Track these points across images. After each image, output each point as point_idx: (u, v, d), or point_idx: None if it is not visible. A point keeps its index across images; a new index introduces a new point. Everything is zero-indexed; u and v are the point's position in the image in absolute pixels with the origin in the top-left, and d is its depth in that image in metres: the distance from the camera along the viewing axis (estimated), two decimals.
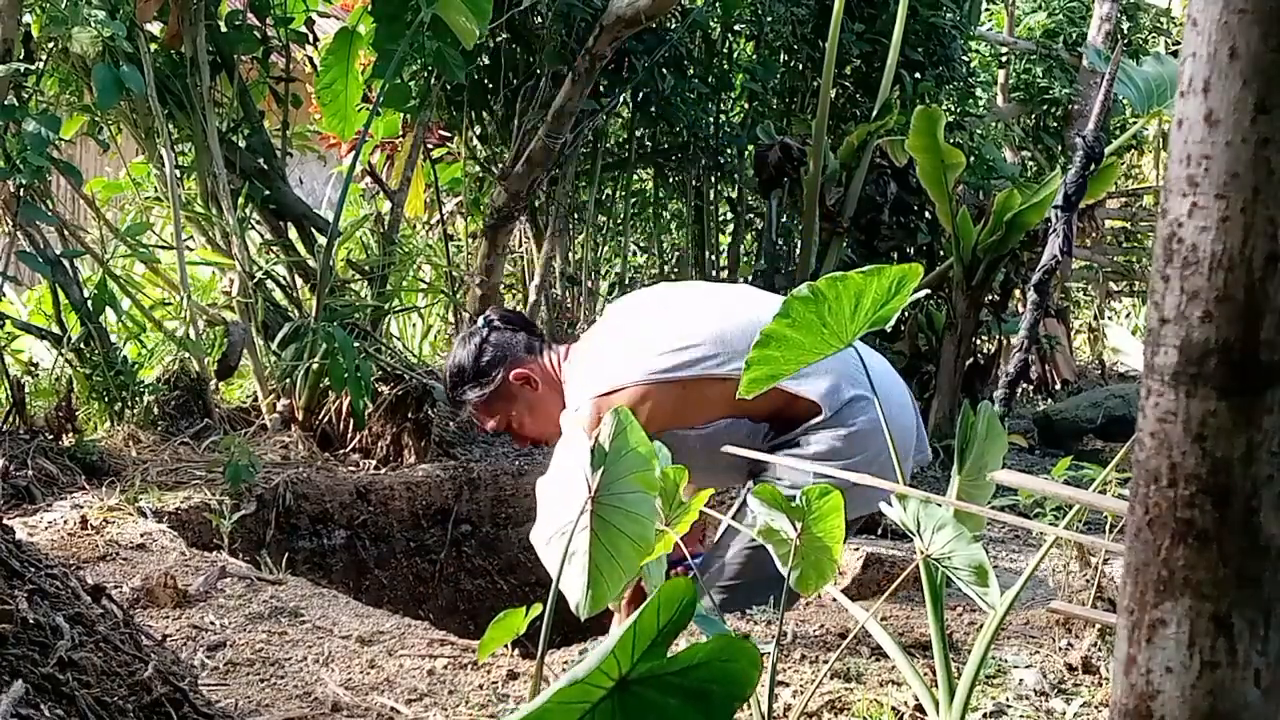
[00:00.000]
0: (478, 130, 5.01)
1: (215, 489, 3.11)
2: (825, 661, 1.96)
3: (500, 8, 4.32)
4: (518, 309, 5.54)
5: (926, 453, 2.65)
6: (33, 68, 3.43)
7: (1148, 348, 0.79)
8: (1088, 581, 2.30)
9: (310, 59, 4.52)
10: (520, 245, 5.43)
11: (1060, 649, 2.10)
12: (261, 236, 4.14)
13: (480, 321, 2.69)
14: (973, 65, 7.05)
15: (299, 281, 4.06)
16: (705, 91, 5.29)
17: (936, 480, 4.20)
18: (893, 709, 1.78)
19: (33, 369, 3.72)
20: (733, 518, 2.28)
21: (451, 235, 5.09)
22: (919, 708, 1.74)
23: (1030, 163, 8.07)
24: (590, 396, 2.37)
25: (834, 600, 1.91)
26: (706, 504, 1.63)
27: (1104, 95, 2.72)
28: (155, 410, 3.57)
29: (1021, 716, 1.80)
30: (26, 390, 3.38)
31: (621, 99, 5.02)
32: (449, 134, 5.16)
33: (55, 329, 3.51)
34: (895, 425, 2.42)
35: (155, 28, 3.80)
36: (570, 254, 5.50)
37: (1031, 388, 6.56)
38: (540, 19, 4.63)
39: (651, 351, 2.39)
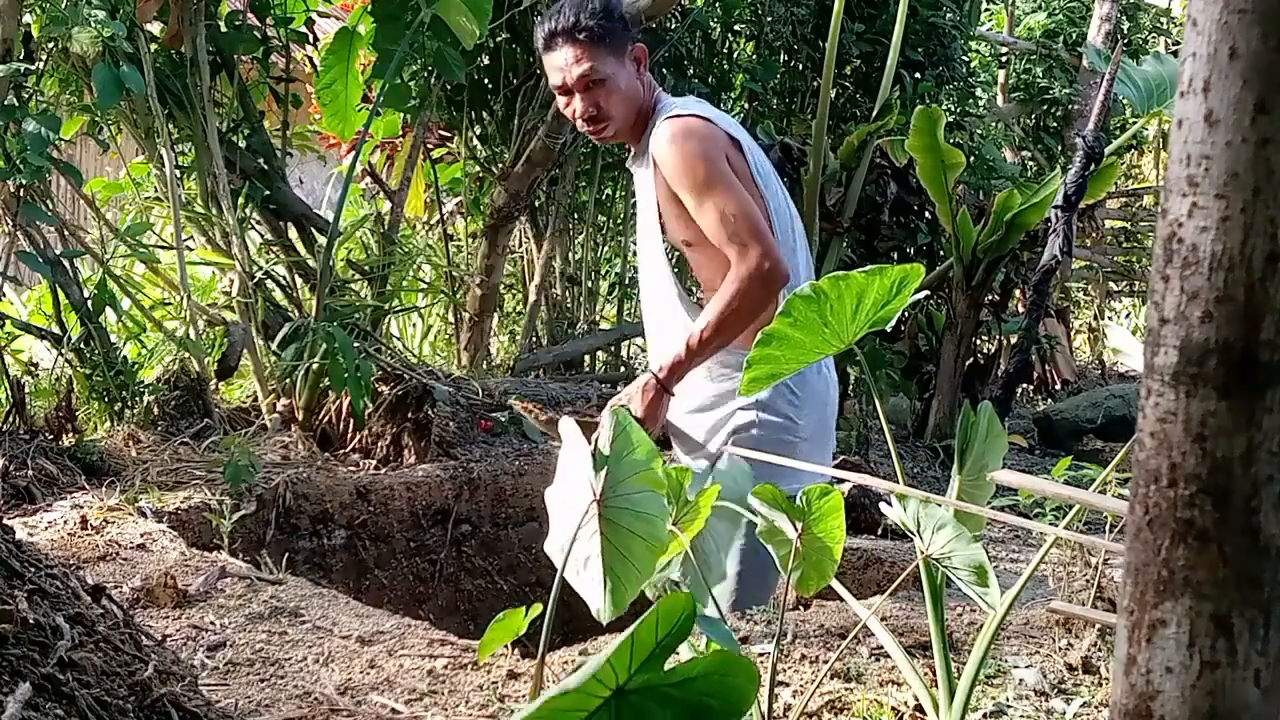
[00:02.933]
0: (478, 130, 5.01)
1: (215, 489, 3.11)
2: (825, 661, 1.96)
3: (500, 8, 4.32)
4: (518, 309, 5.55)
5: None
6: (33, 68, 3.43)
7: (1148, 348, 0.79)
8: (1088, 581, 2.30)
9: (310, 59, 4.52)
10: (520, 245, 5.43)
11: (1060, 649, 2.10)
12: (261, 236, 4.14)
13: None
14: (973, 65, 7.06)
15: (299, 281, 4.06)
16: (705, 91, 5.29)
17: (936, 480, 4.20)
18: (893, 709, 1.78)
19: (33, 369, 3.72)
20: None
21: (451, 235, 5.09)
22: (919, 708, 1.74)
23: (1030, 163, 8.07)
24: (693, 113, 2.33)
25: (834, 600, 1.91)
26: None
27: (1104, 95, 2.73)
28: (155, 410, 3.57)
29: (1021, 716, 1.81)
30: (26, 390, 3.38)
31: None
32: (449, 134, 5.16)
33: (55, 329, 3.51)
34: (825, 382, 2.45)
35: (155, 28, 3.80)
36: (570, 254, 5.50)
37: (1031, 388, 6.57)
38: (540, 19, 4.63)
39: (752, 147, 2.41)
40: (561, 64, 2.43)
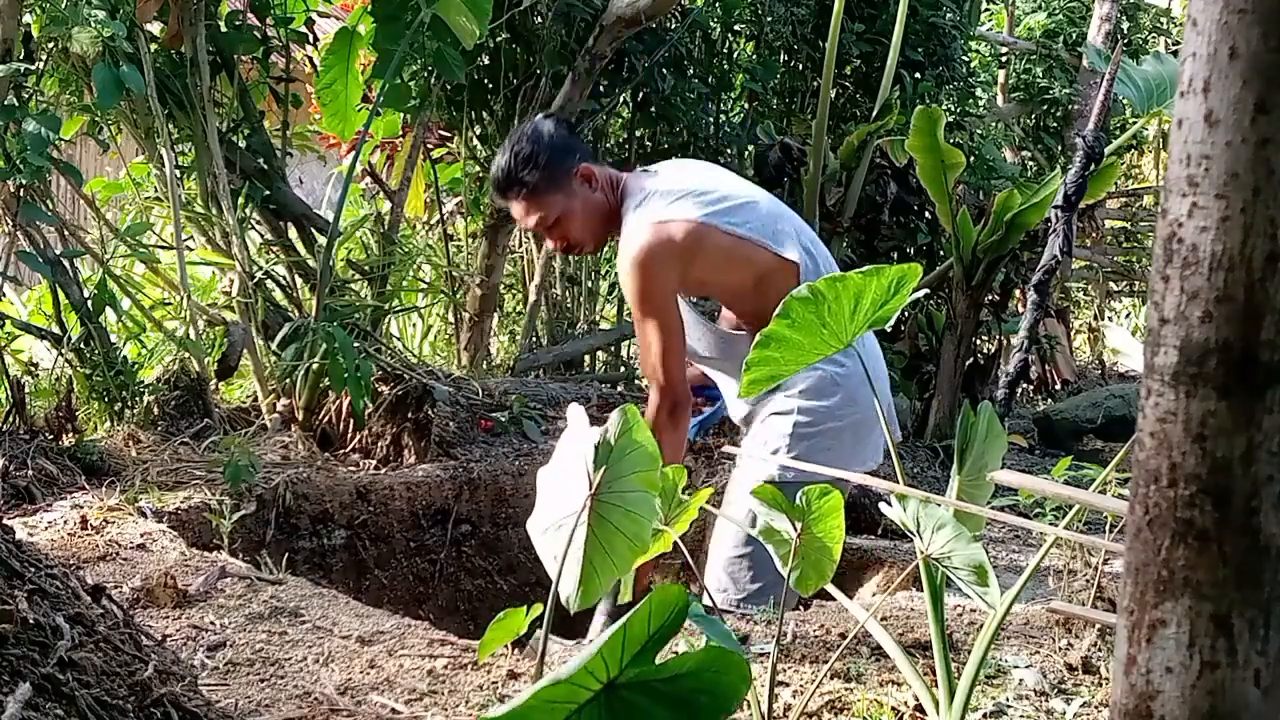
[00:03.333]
0: (478, 130, 5.01)
1: (215, 489, 3.11)
2: (825, 661, 1.96)
3: (500, 8, 4.31)
4: (518, 308, 5.55)
5: (897, 432, 2.71)
6: (33, 68, 3.42)
7: (1148, 348, 0.79)
8: (1088, 581, 2.30)
9: (310, 59, 4.52)
10: (520, 245, 5.43)
11: (1060, 649, 2.10)
12: (261, 236, 4.14)
13: (543, 116, 2.67)
14: (973, 65, 7.05)
15: (299, 281, 4.06)
16: (705, 91, 5.29)
17: (936, 480, 4.20)
18: (893, 709, 1.78)
19: (33, 369, 3.72)
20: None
21: (451, 235, 5.09)
22: (919, 708, 1.74)
23: (1030, 163, 8.07)
24: (650, 221, 2.41)
25: (835, 599, 1.91)
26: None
27: (1104, 95, 2.72)
28: (155, 410, 3.57)
29: (1021, 716, 1.80)
30: (26, 390, 3.38)
31: (621, 99, 5.02)
32: (449, 134, 5.16)
33: (55, 329, 3.50)
34: (880, 381, 2.52)
35: (155, 28, 3.80)
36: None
37: (1031, 388, 6.57)
38: (540, 19, 4.63)
39: (715, 198, 2.47)
40: (517, 214, 2.60)
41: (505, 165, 2.55)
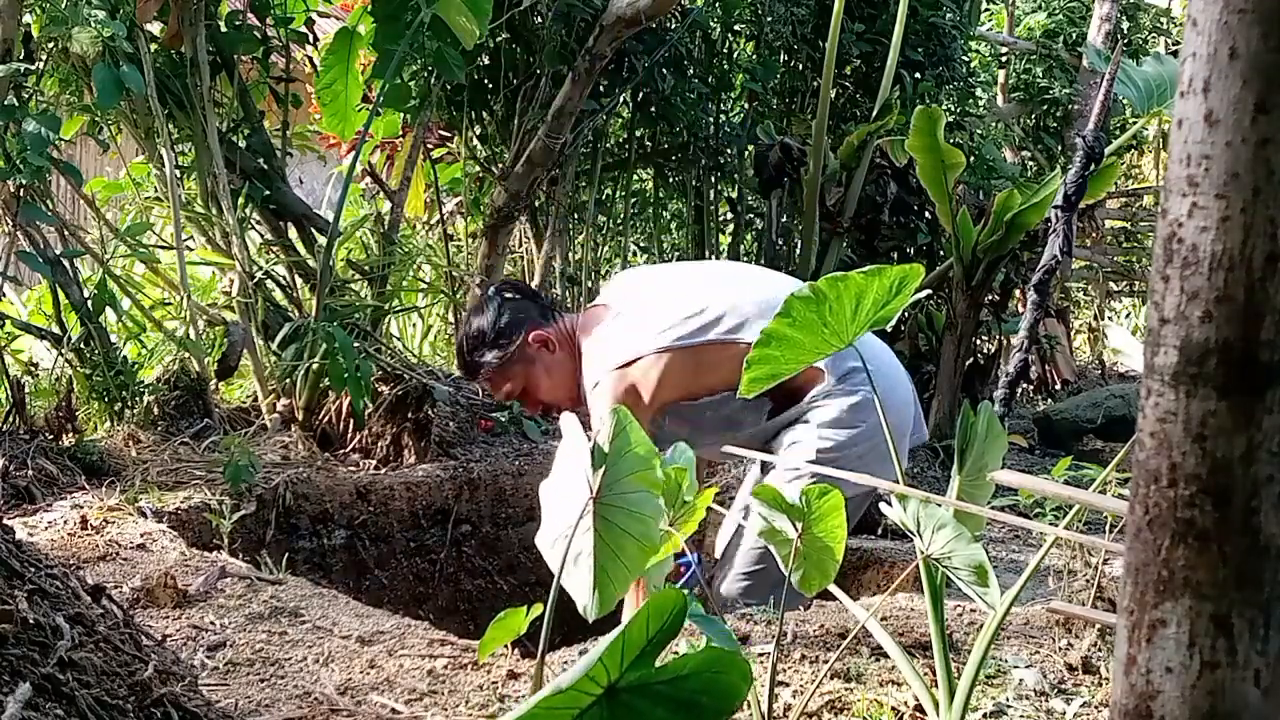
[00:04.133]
0: (478, 130, 5.01)
1: (215, 489, 3.11)
2: (825, 661, 1.96)
3: (500, 8, 4.31)
4: None
5: (924, 432, 2.73)
6: (33, 68, 3.42)
7: (1148, 348, 0.79)
8: (1088, 581, 2.30)
9: (310, 59, 4.52)
10: (520, 245, 5.43)
11: (1060, 649, 2.10)
12: (261, 236, 4.14)
13: (491, 291, 2.73)
14: (973, 65, 7.05)
15: (299, 281, 4.06)
16: (705, 91, 5.29)
17: (936, 480, 4.20)
18: (893, 709, 1.78)
19: (33, 369, 3.72)
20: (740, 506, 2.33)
21: (451, 235, 5.09)
22: (919, 708, 1.74)
23: (1030, 163, 8.07)
24: (609, 369, 2.44)
25: (835, 599, 1.91)
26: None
27: (1104, 95, 2.72)
28: (155, 410, 3.57)
29: (1021, 716, 1.81)
30: (26, 390, 3.38)
31: (621, 99, 5.02)
32: (449, 134, 5.16)
33: (55, 329, 3.50)
34: (894, 399, 2.50)
35: (155, 28, 3.80)
36: (570, 254, 5.50)
37: (1031, 388, 6.56)
38: (540, 19, 4.63)
39: (668, 319, 2.47)
40: (490, 390, 2.75)
41: (462, 349, 2.68)
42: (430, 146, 5.03)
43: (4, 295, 3.93)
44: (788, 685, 1.87)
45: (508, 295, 2.69)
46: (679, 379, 2.43)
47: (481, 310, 2.68)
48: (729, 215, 5.87)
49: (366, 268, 4.20)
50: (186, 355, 3.69)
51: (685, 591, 1.12)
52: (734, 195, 5.76)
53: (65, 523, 2.66)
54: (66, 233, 3.65)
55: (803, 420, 2.49)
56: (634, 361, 2.43)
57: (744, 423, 2.53)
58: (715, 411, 2.52)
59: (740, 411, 2.50)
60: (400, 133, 4.93)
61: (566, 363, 2.59)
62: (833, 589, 1.66)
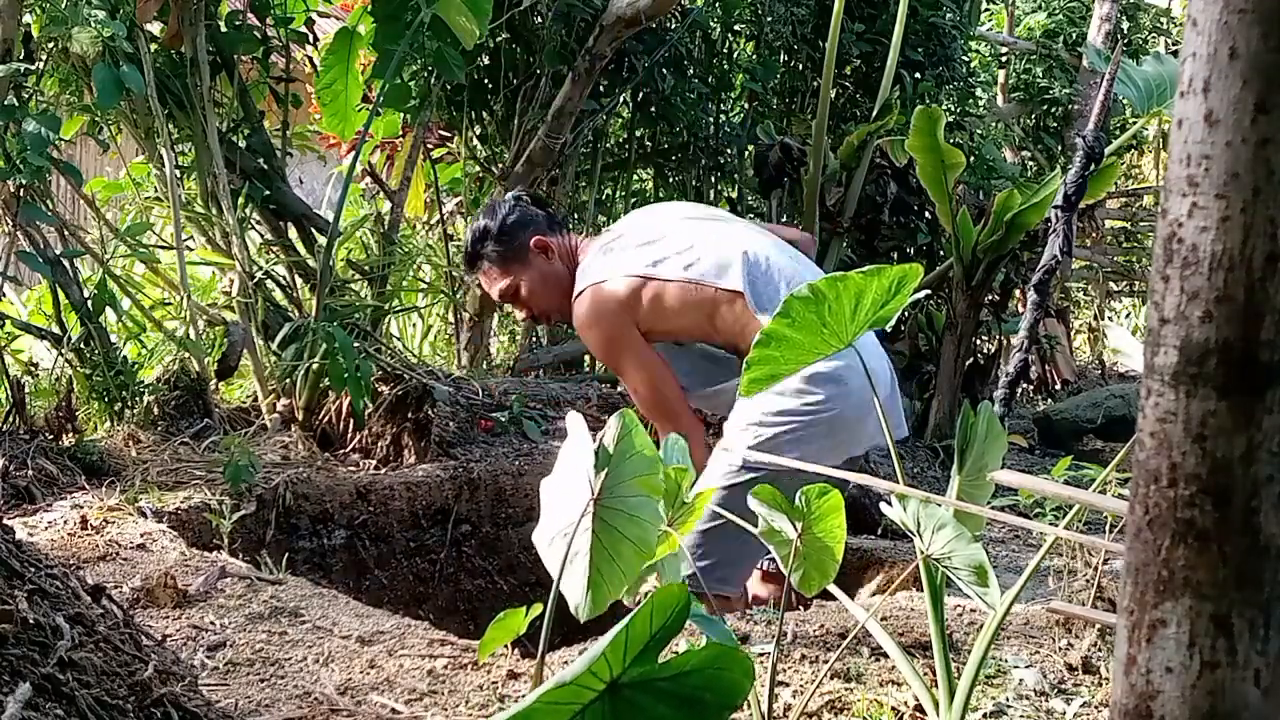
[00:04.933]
0: (478, 130, 5.01)
1: (215, 489, 3.11)
2: (825, 661, 1.96)
3: (500, 8, 4.32)
4: None
5: (903, 428, 2.67)
6: (33, 68, 3.42)
7: (1148, 348, 0.79)
8: (1088, 581, 2.30)
9: (310, 59, 4.52)
10: None
11: (1060, 649, 2.10)
12: (261, 236, 4.14)
13: (509, 195, 2.87)
14: (973, 65, 7.05)
15: (299, 281, 4.06)
16: (705, 91, 5.29)
17: (936, 480, 4.20)
18: (893, 709, 1.78)
19: (33, 369, 3.72)
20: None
21: (451, 235, 5.09)
22: (919, 708, 1.74)
23: (1030, 163, 8.07)
24: (590, 284, 2.56)
25: (835, 599, 1.91)
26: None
27: (1104, 95, 2.72)
28: (155, 410, 3.57)
29: (1021, 716, 1.81)
30: (26, 390, 3.37)
31: (621, 99, 5.02)
32: (449, 134, 5.16)
33: (55, 329, 3.50)
34: (859, 380, 2.40)
35: (155, 28, 3.80)
36: None
37: (1031, 388, 6.57)
38: (540, 19, 4.63)
39: (655, 251, 2.56)
40: (485, 286, 2.84)
41: (467, 241, 2.81)
42: (430, 146, 5.03)
43: (4, 295, 3.93)
44: (788, 685, 1.87)
45: (521, 200, 2.82)
46: (653, 307, 2.50)
47: (493, 208, 2.83)
48: None
49: (366, 268, 4.20)
50: (186, 355, 3.69)
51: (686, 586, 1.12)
52: (734, 195, 5.76)
53: (65, 523, 2.66)
54: (66, 233, 3.65)
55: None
56: (611, 279, 2.54)
57: (727, 374, 2.57)
58: (702, 354, 2.60)
59: (721, 361, 2.58)
60: (400, 133, 4.93)
61: (562, 274, 2.69)
62: (832, 589, 1.66)
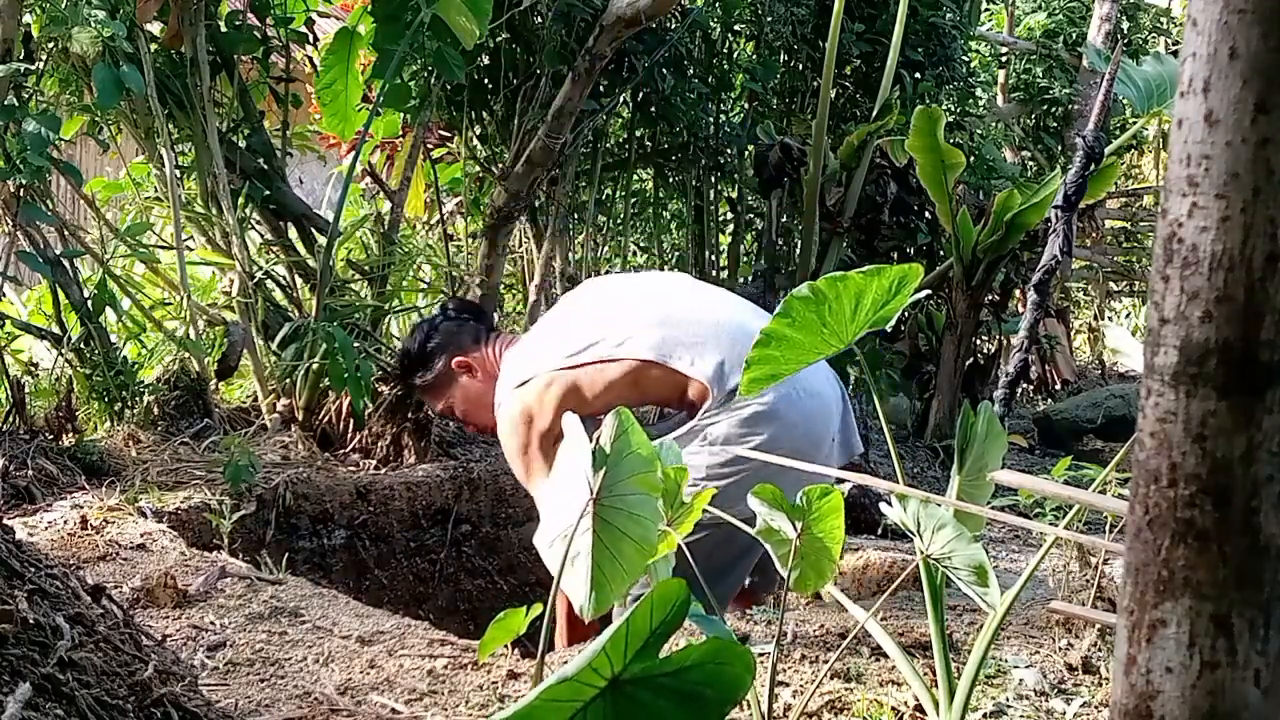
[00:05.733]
0: (478, 130, 5.00)
1: (215, 489, 3.11)
2: (825, 661, 1.96)
3: (500, 8, 4.31)
4: (517, 308, 5.55)
5: (856, 445, 2.55)
6: (33, 68, 3.42)
7: (1148, 348, 0.79)
8: (1088, 581, 2.30)
9: (310, 59, 4.52)
10: (520, 245, 5.42)
11: (1060, 649, 2.10)
12: (261, 236, 4.14)
13: (436, 310, 2.89)
14: (973, 65, 7.06)
15: (299, 281, 4.06)
16: (705, 91, 5.29)
17: (936, 480, 4.20)
18: (893, 709, 1.78)
19: (33, 369, 3.72)
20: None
21: (451, 235, 5.09)
22: (919, 708, 1.74)
23: (1030, 163, 8.07)
24: (509, 389, 2.52)
25: (834, 600, 1.91)
26: None
27: (1104, 95, 2.73)
28: (155, 410, 3.57)
29: (1021, 716, 1.81)
30: (26, 390, 3.37)
31: (621, 99, 5.02)
32: (449, 134, 5.16)
33: (55, 329, 3.50)
34: (801, 410, 2.35)
35: (155, 28, 3.80)
36: (570, 254, 5.50)
37: (1031, 388, 6.57)
38: (540, 19, 4.63)
39: (566, 340, 2.50)
40: (428, 406, 2.99)
41: (396, 365, 2.89)
42: (430, 146, 5.03)
43: (4, 295, 3.93)
44: (788, 685, 1.88)
45: (447, 316, 2.82)
46: (571, 398, 2.41)
47: (414, 332, 2.85)
48: (729, 215, 5.87)
49: (366, 268, 4.20)
50: (186, 355, 3.69)
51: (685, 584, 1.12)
52: (734, 195, 5.76)
53: (65, 523, 2.66)
54: (66, 233, 3.65)
55: (696, 435, 2.37)
56: (527, 382, 2.47)
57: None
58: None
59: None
60: (400, 133, 4.92)
61: (487, 389, 2.64)
62: (832, 589, 1.66)
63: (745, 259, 5.82)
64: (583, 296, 2.74)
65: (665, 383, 2.39)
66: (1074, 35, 8.15)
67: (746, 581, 2.50)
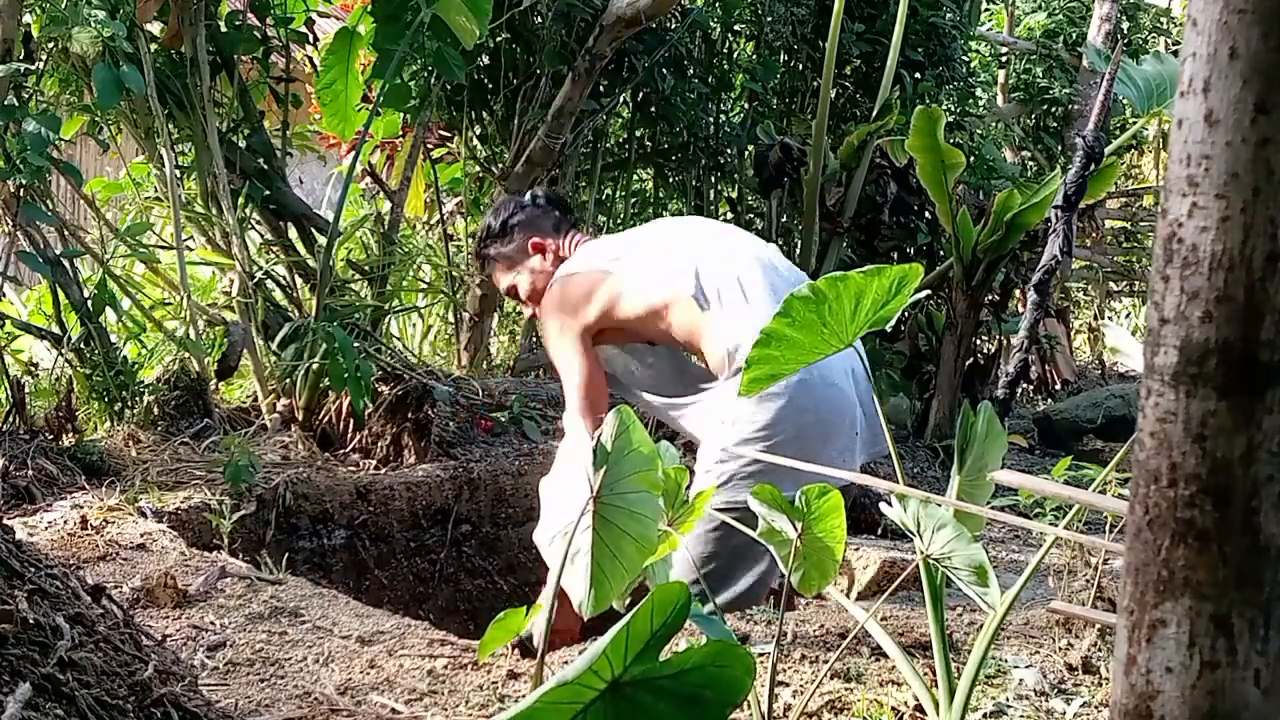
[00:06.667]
0: (478, 130, 5.01)
1: (215, 489, 3.11)
2: (825, 661, 1.96)
3: (500, 8, 4.31)
4: (518, 309, 5.55)
5: (883, 445, 2.52)
6: (33, 68, 3.42)
7: (1148, 348, 0.79)
8: (1088, 581, 2.30)
9: (310, 59, 4.52)
10: None
11: (1060, 649, 2.10)
12: (261, 236, 4.14)
13: (528, 194, 2.97)
14: (973, 65, 7.06)
15: (299, 281, 4.06)
16: (705, 91, 5.29)
17: (936, 480, 4.20)
18: (893, 709, 1.78)
19: (33, 369, 3.72)
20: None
21: (451, 235, 5.09)
22: (919, 708, 1.74)
23: (1030, 163, 8.07)
24: (563, 274, 2.67)
25: (834, 600, 1.91)
26: None
27: (1104, 95, 2.73)
28: (155, 410, 3.57)
29: (1021, 716, 1.81)
30: (26, 390, 3.38)
31: (621, 99, 5.02)
32: (449, 134, 5.16)
33: (55, 329, 3.50)
34: (815, 397, 2.34)
35: (155, 28, 3.80)
36: None
37: (1031, 388, 6.57)
38: (540, 19, 4.63)
39: (632, 251, 2.64)
40: (494, 282, 2.97)
41: (477, 239, 2.94)
42: (430, 146, 5.03)
43: (4, 295, 3.93)
44: (788, 685, 1.88)
45: (534, 200, 2.91)
46: (612, 303, 2.55)
47: (499, 207, 2.93)
48: (729, 215, 5.87)
49: (366, 268, 4.20)
50: (186, 355, 3.69)
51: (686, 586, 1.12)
52: (734, 195, 5.76)
53: (65, 523, 2.66)
54: (66, 233, 3.65)
55: (721, 420, 2.39)
56: (577, 274, 2.63)
57: (691, 390, 2.59)
58: (657, 358, 2.68)
59: (686, 376, 2.64)
60: (400, 133, 4.93)
61: (552, 275, 2.76)
62: (832, 590, 1.66)
63: None
64: (668, 225, 2.88)
65: (689, 323, 2.48)
66: (1074, 35, 8.14)
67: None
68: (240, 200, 3.83)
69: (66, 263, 3.46)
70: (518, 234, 2.82)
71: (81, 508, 2.78)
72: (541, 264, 2.79)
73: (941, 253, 5.04)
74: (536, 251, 2.80)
